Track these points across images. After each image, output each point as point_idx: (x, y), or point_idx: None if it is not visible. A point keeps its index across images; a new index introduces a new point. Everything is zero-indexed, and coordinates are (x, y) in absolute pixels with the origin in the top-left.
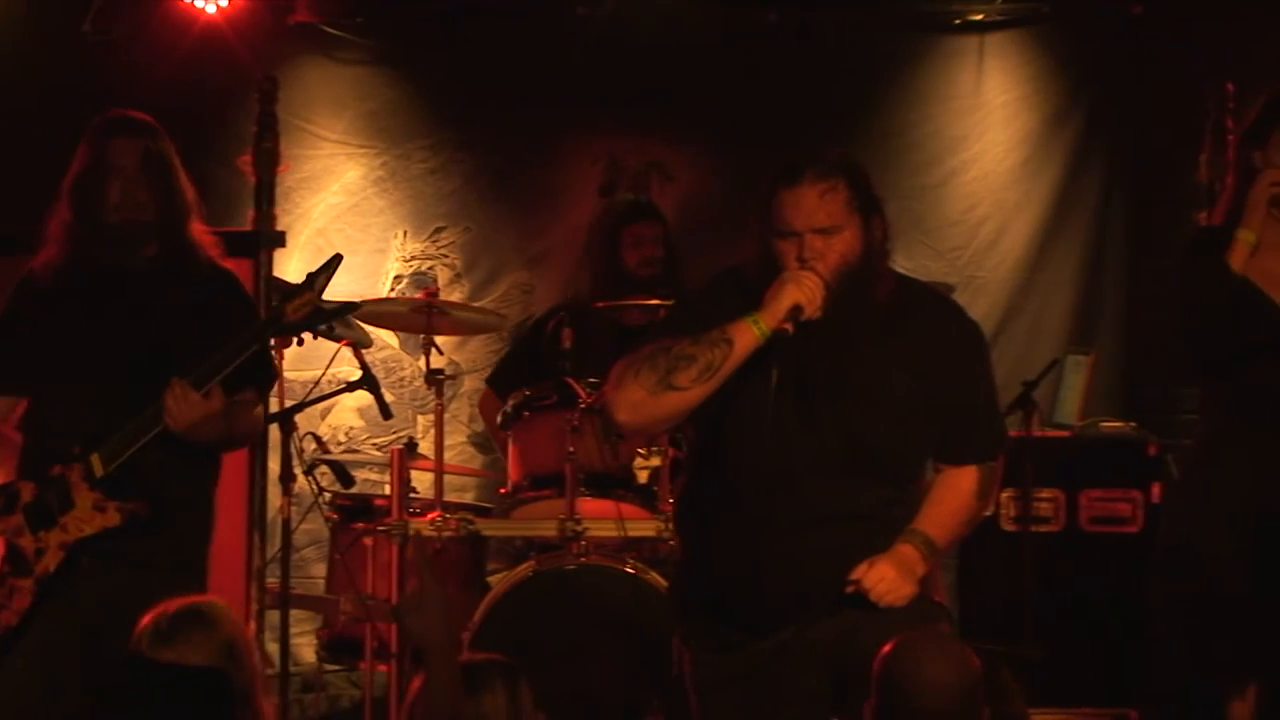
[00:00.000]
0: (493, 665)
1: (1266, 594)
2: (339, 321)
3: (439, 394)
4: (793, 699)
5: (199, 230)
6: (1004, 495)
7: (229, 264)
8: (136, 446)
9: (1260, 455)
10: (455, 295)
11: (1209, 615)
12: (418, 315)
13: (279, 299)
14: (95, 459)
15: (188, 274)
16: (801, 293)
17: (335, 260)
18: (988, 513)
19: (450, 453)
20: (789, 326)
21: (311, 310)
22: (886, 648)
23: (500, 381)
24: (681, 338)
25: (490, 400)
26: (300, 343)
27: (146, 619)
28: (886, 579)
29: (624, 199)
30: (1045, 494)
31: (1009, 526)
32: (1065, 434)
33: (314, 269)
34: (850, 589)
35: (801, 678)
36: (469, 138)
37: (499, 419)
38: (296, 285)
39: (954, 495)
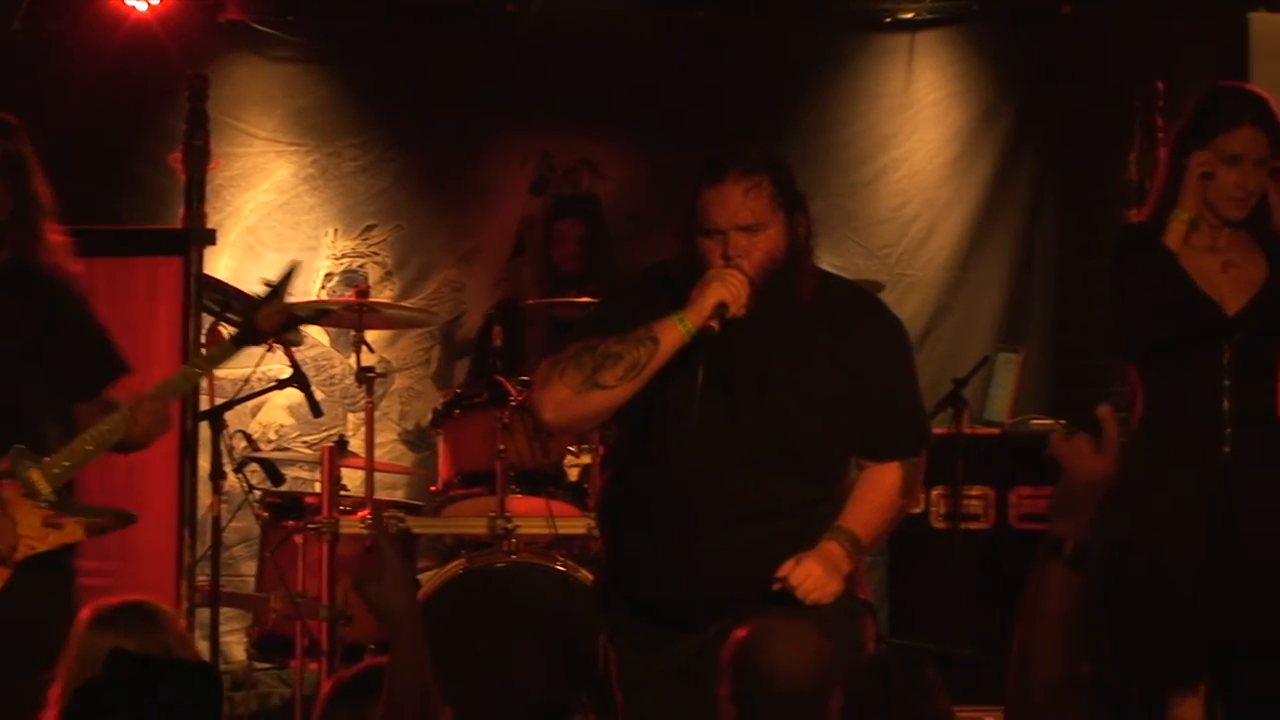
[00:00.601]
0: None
1: (1215, 590)
2: None
3: (369, 391)
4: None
5: (52, 232)
6: (934, 493)
7: (158, 261)
8: (86, 461)
9: (1197, 449)
10: (386, 293)
11: (1158, 613)
12: (348, 312)
13: (245, 309)
14: (36, 476)
15: (35, 277)
16: (727, 290)
17: (295, 266)
18: (917, 510)
19: (381, 450)
20: (714, 324)
21: (286, 317)
22: (740, 632)
23: None
24: (607, 336)
25: None
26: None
27: (85, 611)
28: (813, 576)
29: (554, 194)
30: (975, 491)
31: (939, 524)
32: (995, 431)
33: (272, 278)
34: (776, 586)
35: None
36: (399, 136)
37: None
38: (264, 295)
39: (878, 492)
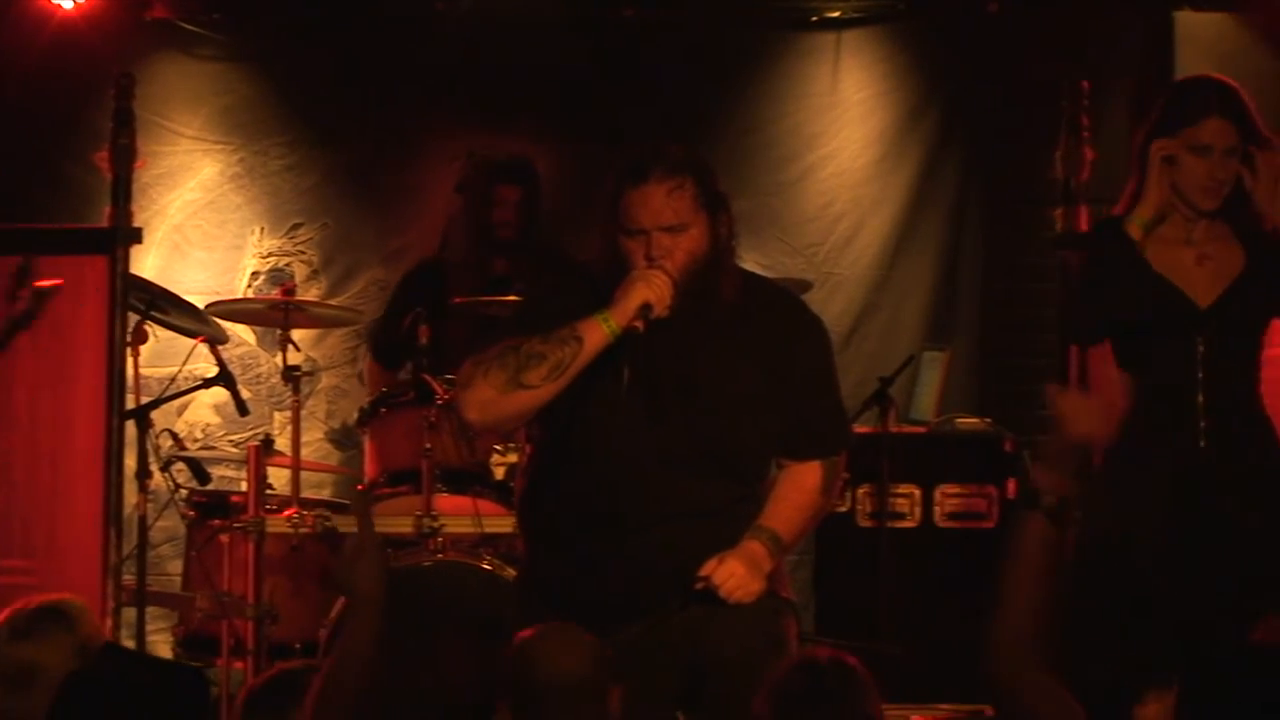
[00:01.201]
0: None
1: (1191, 587)
2: (193, 317)
3: (296, 390)
4: (641, 696)
5: None
6: (860, 491)
7: (84, 260)
8: None
9: (1173, 443)
10: (312, 292)
11: (1132, 610)
12: (274, 311)
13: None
14: None
15: None
16: (651, 291)
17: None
18: (843, 508)
19: (307, 449)
20: (638, 324)
21: None
22: (513, 643)
23: None
24: (531, 336)
25: None
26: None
27: (3, 615)
28: (736, 575)
29: (498, 157)
30: (901, 490)
31: (865, 522)
32: (921, 430)
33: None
34: (699, 586)
35: (649, 675)
36: (326, 134)
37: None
38: None
39: (799, 491)
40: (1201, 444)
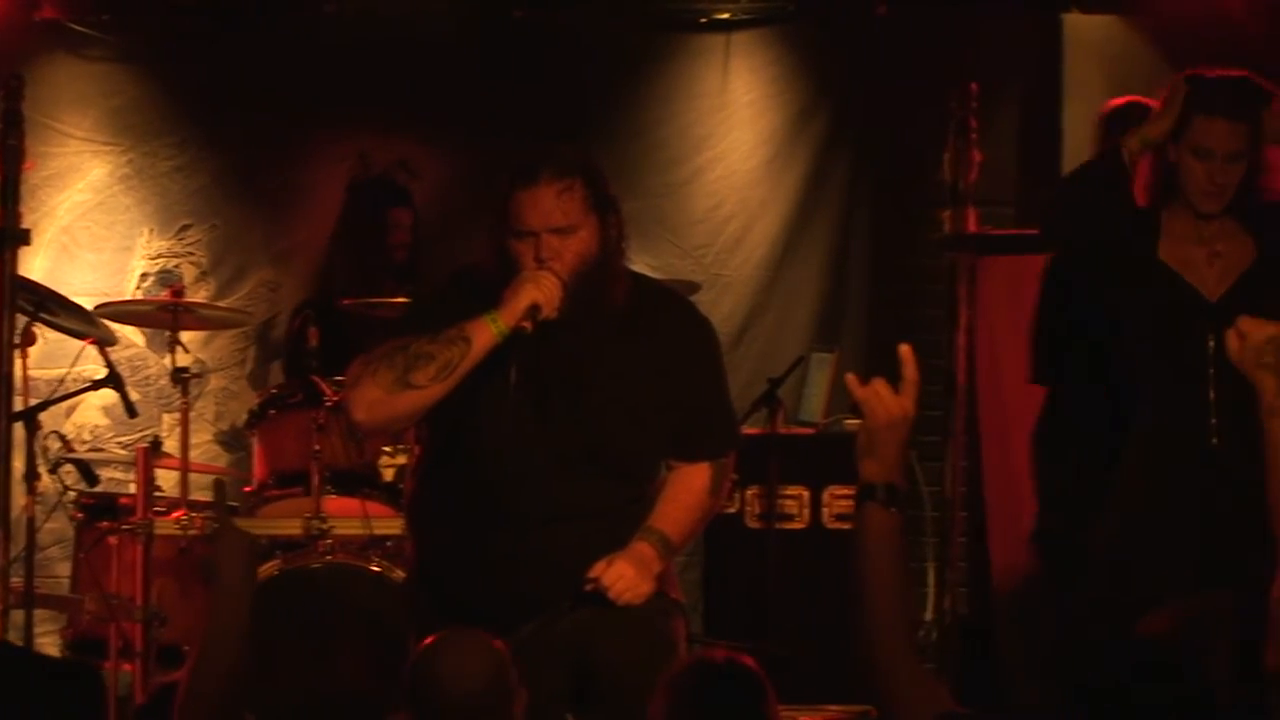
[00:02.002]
0: None
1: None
2: (82, 319)
3: (184, 392)
4: (531, 696)
5: None
6: (749, 492)
7: None
8: None
9: (1186, 441)
10: (201, 293)
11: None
12: (163, 313)
13: None
14: None
15: None
16: (539, 292)
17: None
18: (732, 509)
19: (196, 451)
20: (527, 325)
21: None
22: (415, 651)
23: None
24: (419, 336)
25: None
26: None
27: None
28: (625, 577)
29: (384, 181)
30: (790, 491)
31: (754, 524)
32: (810, 431)
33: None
34: (588, 587)
35: (539, 675)
36: (215, 135)
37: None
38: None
39: (687, 492)
40: (1214, 441)
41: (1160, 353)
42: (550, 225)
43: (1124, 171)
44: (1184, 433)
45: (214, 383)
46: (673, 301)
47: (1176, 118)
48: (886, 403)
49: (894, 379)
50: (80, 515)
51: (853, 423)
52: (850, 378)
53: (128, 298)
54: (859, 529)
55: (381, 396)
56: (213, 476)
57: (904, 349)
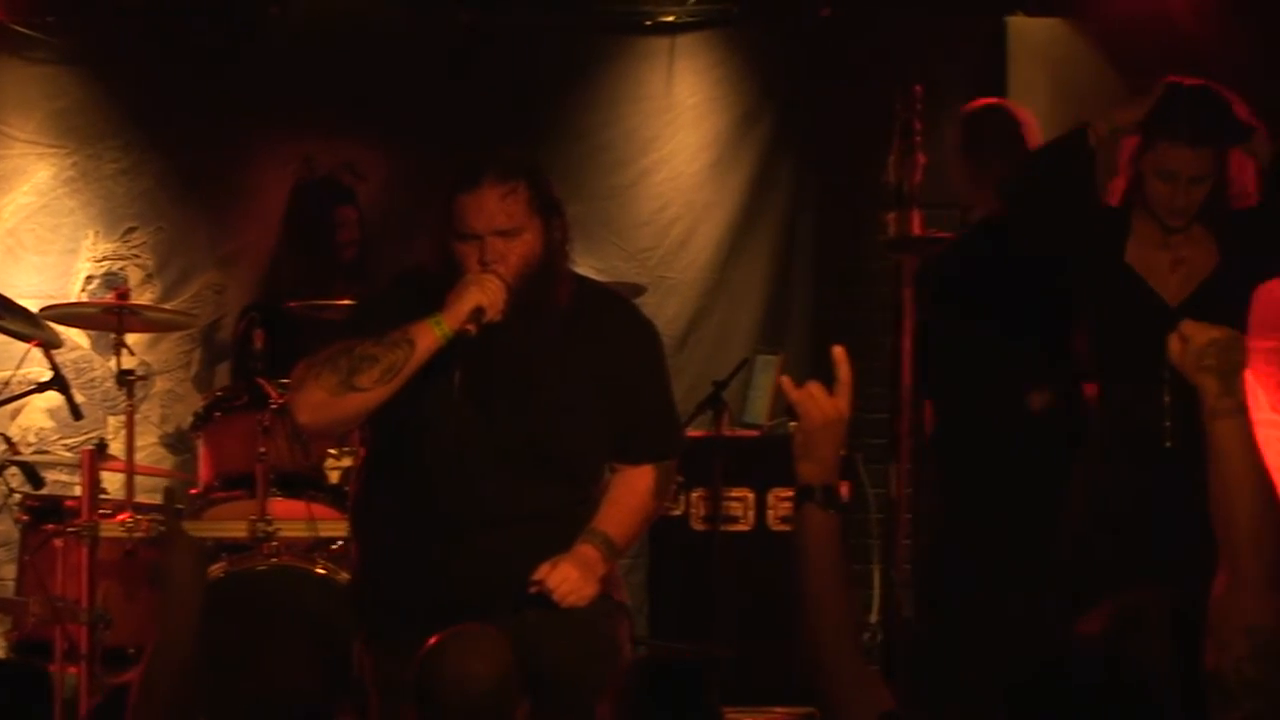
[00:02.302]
0: None
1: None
2: (27, 321)
3: (130, 395)
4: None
5: None
6: (694, 495)
7: None
8: None
9: (1140, 443)
10: (147, 295)
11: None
12: (109, 315)
13: None
14: None
15: None
16: (484, 295)
17: None
18: (677, 512)
19: (141, 454)
20: (471, 328)
21: None
22: (424, 647)
23: None
24: (363, 338)
25: None
26: None
27: None
28: (569, 580)
29: (328, 180)
30: (735, 493)
31: (699, 526)
32: (754, 433)
33: None
34: (533, 589)
35: None
36: (161, 137)
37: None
38: None
39: (631, 494)
40: (1167, 444)
41: (1118, 355)
42: (494, 228)
43: (1089, 154)
44: (1139, 434)
45: (159, 385)
46: (617, 304)
47: (1147, 113)
48: (821, 405)
49: (835, 381)
50: (25, 518)
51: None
52: (784, 380)
53: (73, 300)
54: (799, 531)
55: (325, 399)
56: (159, 479)
57: (837, 350)
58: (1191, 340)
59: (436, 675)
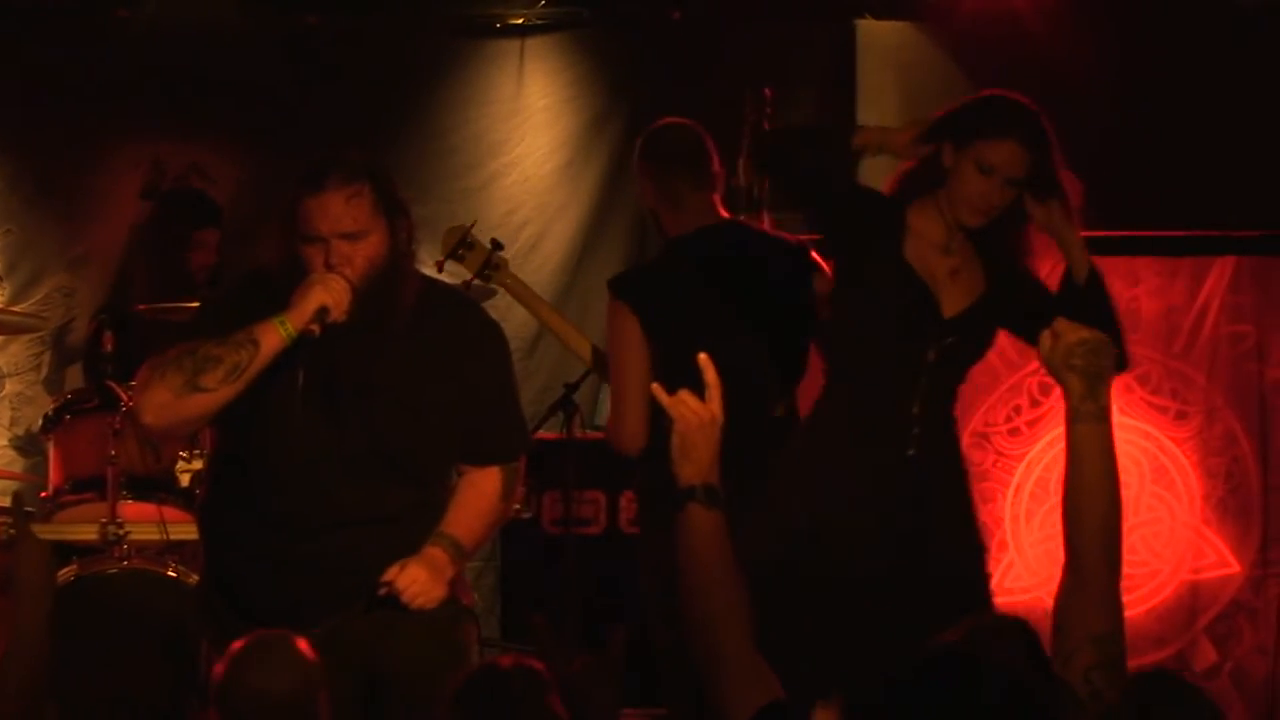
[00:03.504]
0: None
1: (889, 593)
2: None
3: None
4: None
5: None
6: (546, 498)
7: None
8: None
9: (884, 447)
10: None
11: (824, 612)
12: None
13: None
14: None
15: None
16: (328, 295)
17: None
18: (526, 515)
19: None
20: (315, 328)
21: None
22: (219, 665)
23: None
24: (208, 339)
25: None
26: None
27: None
28: (418, 581)
29: (192, 194)
30: (587, 496)
31: (551, 529)
32: (605, 436)
33: None
34: (382, 591)
35: (333, 679)
36: (10, 140)
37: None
38: None
39: (479, 496)
40: (911, 452)
41: (878, 351)
42: (339, 231)
43: (851, 149)
44: (885, 438)
45: (9, 387)
46: (463, 305)
47: (963, 110)
48: (695, 409)
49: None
50: None
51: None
52: (655, 387)
53: None
54: (683, 530)
55: (170, 399)
56: (9, 482)
57: (702, 357)
58: (1062, 337)
59: (238, 682)
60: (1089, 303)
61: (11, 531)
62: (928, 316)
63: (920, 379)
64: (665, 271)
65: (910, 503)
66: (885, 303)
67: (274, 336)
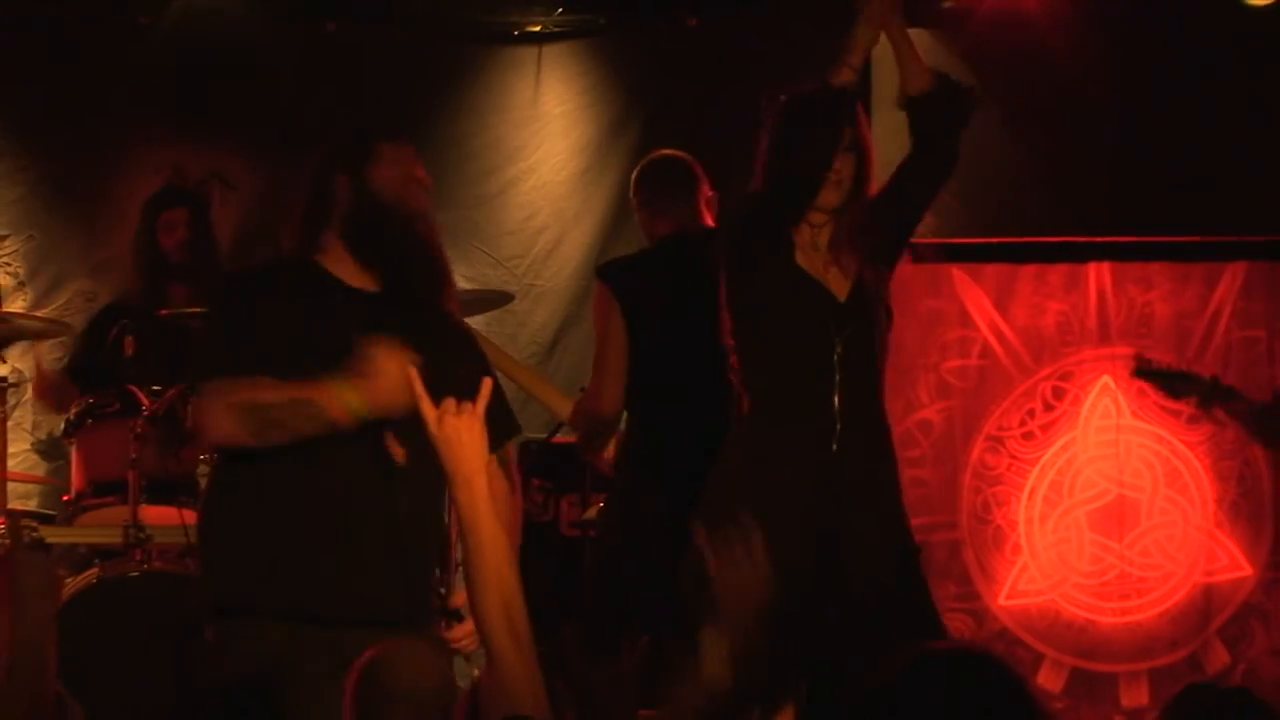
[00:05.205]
0: None
1: (816, 599)
2: None
3: (2, 401)
4: (330, 700)
5: None
6: (564, 501)
7: None
8: None
9: (807, 446)
10: (18, 303)
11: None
12: None
13: None
14: None
15: None
16: (403, 399)
17: None
18: (546, 518)
19: (14, 460)
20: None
21: None
22: (365, 656)
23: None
24: (269, 387)
25: None
26: None
27: None
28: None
29: (167, 187)
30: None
31: (569, 531)
32: None
33: None
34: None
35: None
36: (33, 146)
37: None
38: None
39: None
40: (834, 449)
41: (785, 353)
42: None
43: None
44: (807, 437)
45: (31, 392)
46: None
47: None
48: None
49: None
50: None
51: None
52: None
53: None
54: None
55: (243, 439)
56: (32, 485)
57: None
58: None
59: (382, 685)
60: (938, 107)
61: (34, 534)
62: (824, 302)
63: (834, 375)
64: (647, 263)
65: (838, 505)
66: (788, 305)
67: (345, 418)
